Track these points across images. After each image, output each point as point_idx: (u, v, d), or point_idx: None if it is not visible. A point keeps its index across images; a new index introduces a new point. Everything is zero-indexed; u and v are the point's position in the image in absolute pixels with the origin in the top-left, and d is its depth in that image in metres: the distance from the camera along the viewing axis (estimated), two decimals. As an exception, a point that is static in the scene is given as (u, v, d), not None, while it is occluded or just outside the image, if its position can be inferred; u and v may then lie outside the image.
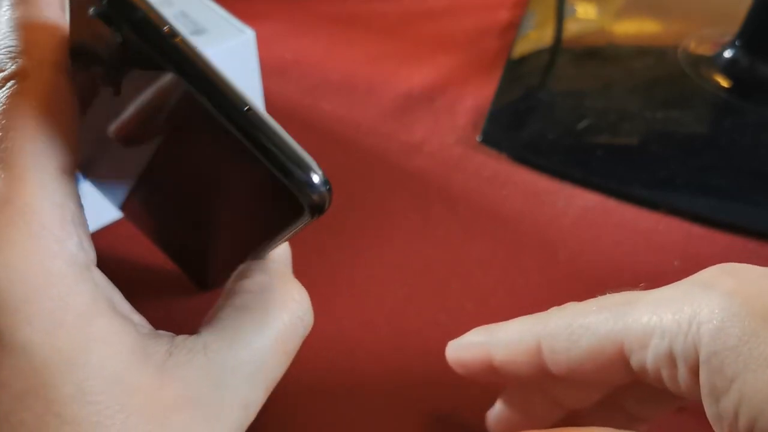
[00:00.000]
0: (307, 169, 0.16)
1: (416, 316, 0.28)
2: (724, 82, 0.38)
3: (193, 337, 0.18)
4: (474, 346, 0.21)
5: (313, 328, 0.20)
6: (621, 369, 0.18)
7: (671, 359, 0.16)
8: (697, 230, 0.32)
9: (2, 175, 0.15)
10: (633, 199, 0.33)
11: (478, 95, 0.39)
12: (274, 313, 0.19)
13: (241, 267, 0.20)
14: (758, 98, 0.37)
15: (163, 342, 0.17)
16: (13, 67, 0.16)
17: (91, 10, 0.16)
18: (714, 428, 0.16)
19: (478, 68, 0.42)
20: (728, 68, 0.38)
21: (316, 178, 0.16)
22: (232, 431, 0.17)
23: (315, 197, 0.16)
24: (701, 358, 0.16)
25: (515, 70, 0.41)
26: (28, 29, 0.17)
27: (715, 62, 0.39)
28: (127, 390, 0.15)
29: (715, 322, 0.15)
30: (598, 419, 0.22)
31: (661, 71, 0.39)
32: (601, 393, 0.22)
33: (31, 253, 0.15)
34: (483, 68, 0.42)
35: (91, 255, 0.17)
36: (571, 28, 0.43)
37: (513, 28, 0.45)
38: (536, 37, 0.43)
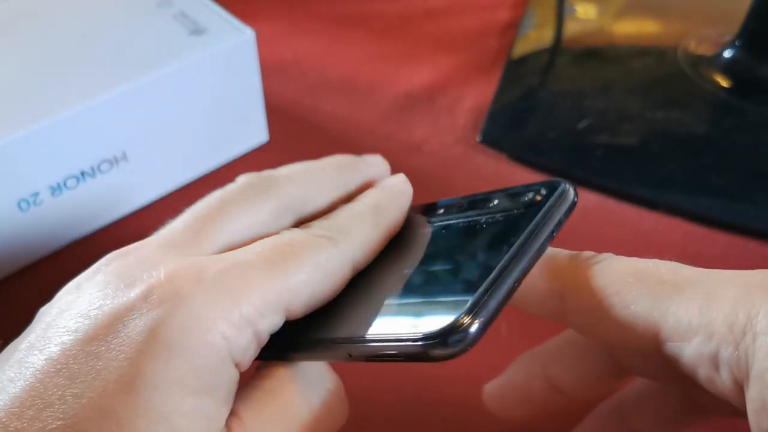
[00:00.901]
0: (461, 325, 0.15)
1: (416, 316, 0.28)
2: (724, 82, 0.38)
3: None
4: None
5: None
6: (649, 347, 0.17)
7: (714, 362, 0.15)
8: (697, 230, 0.32)
9: (256, 272, 0.17)
10: (633, 199, 0.33)
11: (478, 95, 0.39)
12: (307, 399, 0.18)
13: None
14: (758, 98, 0.37)
15: None
16: (339, 235, 0.19)
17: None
18: None
19: (478, 68, 0.42)
20: (728, 68, 0.38)
21: (463, 337, 0.15)
22: None
23: (440, 351, 0.15)
24: (753, 372, 0.15)
25: (515, 70, 0.41)
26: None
27: (715, 62, 0.39)
28: None
29: None
30: (600, 430, 0.22)
31: (661, 71, 0.39)
32: (605, 387, 0.21)
33: (217, 321, 0.16)
34: (483, 68, 0.42)
35: (246, 358, 0.17)
36: (571, 28, 0.43)
37: (513, 28, 0.44)
38: (536, 37, 0.43)
